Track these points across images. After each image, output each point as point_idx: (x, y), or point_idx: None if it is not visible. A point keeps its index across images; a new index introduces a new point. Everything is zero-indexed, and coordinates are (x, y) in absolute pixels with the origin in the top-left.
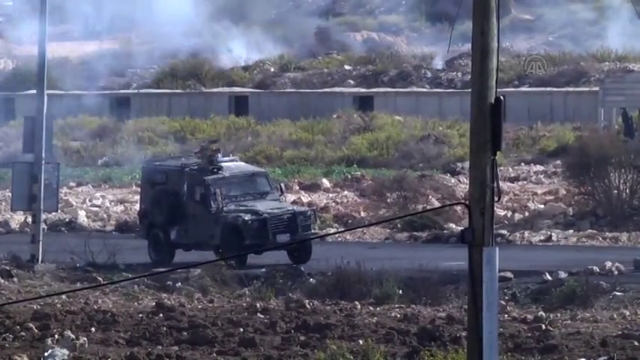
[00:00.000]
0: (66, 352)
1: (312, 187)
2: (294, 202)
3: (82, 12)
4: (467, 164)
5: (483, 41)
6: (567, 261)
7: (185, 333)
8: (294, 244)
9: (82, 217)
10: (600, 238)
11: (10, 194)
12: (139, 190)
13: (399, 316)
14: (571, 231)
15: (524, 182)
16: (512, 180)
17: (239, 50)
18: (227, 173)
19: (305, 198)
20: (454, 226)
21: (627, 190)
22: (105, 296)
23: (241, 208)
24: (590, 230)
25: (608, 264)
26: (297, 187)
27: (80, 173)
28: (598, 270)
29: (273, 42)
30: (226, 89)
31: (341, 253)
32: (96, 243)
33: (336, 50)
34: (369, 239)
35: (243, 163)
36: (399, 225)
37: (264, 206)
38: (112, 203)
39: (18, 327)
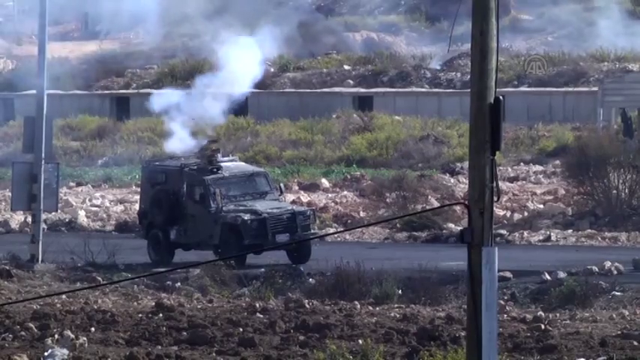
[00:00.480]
0: (65, 351)
1: (312, 187)
2: (293, 202)
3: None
4: (466, 164)
5: (483, 41)
6: (566, 261)
7: (184, 333)
8: (293, 244)
9: (82, 217)
10: (599, 238)
11: (9, 194)
12: (138, 190)
13: (398, 316)
14: (570, 231)
15: (524, 182)
16: (512, 180)
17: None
18: (226, 173)
19: (304, 198)
20: (453, 226)
21: (626, 190)
22: (104, 296)
23: (241, 208)
24: (589, 230)
25: (608, 264)
26: (297, 187)
27: (80, 173)
28: (597, 270)
29: (272, 42)
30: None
31: (340, 253)
32: (95, 243)
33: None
34: (369, 239)
35: (242, 163)
36: (398, 225)
37: (263, 206)
38: (112, 203)
39: (18, 327)
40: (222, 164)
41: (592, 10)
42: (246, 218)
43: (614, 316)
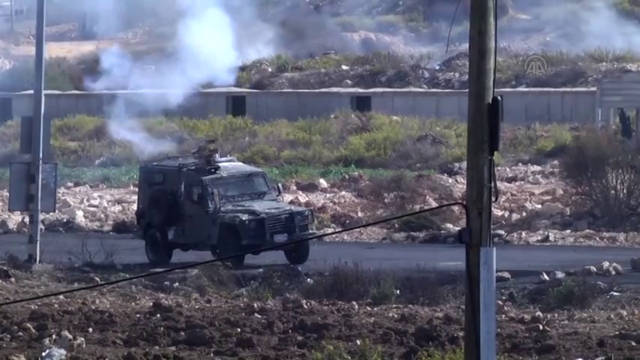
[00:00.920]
0: (63, 352)
1: (310, 187)
2: (291, 202)
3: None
4: (464, 164)
5: (481, 41)
6: (565, 261)
7: (182, 333)
8: (291, 244)
9: (80, 218)
10: (597, 238)
11: (7, 194)
12: (136, 190)
13: (396, 316)
14: (568, 231)
15: (522, 182)
16: (510, 180)
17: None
18: (224, 173)
19: (302, 198)
20: (451, 226)
21: (624, 190)
22: (102, 296)
23: (239, 208)
24: (587, 230)
25: (606, 264)
26: (295, 187)
27: (77, 173)
28: (595, 270)
29: (271, 42)
30: (224, 89)
31: (338, 253)
32: (93, 243)
33: (333, 50)
34: (367, 239)
35: (240, 163)
36: (396, 225)
37: (261, 206)
38: (110, 203)
39: (15, 327)
40: (220, 164)
41: (589, 10)
42: (244, 218)
43: (613, 316)
